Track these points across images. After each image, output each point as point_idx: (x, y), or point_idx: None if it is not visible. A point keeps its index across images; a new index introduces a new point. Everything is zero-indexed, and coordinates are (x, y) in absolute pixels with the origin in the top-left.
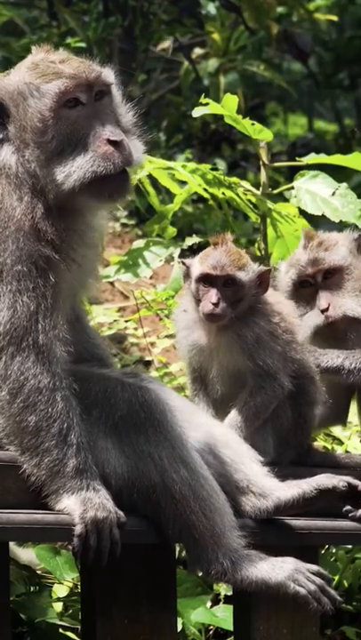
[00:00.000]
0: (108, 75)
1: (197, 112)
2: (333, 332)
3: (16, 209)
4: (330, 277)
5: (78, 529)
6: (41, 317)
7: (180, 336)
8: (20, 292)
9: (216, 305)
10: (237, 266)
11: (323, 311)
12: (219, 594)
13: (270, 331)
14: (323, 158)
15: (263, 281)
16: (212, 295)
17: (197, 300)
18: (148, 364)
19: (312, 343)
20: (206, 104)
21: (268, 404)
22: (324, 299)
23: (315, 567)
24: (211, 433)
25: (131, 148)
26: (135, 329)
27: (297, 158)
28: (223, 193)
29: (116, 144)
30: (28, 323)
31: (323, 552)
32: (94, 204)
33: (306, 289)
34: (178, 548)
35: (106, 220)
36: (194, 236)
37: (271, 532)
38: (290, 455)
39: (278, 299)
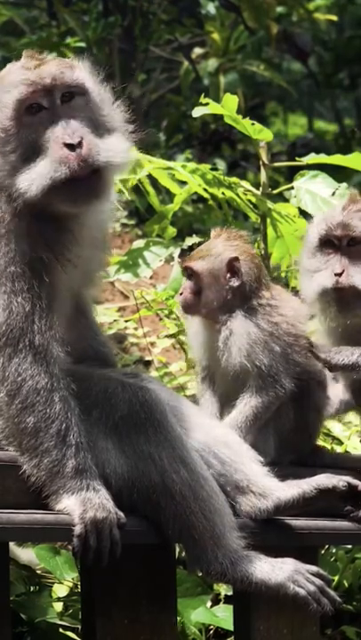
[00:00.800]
0: (77, 75)
1: (197, 112)
2: (339, 298)
3: (5, 212)
4: (354, 245)
5: (78, 529)
6: (37, 318)
7: (190, 335)
8: (15, 293)
9: (181, 294)
10: (195, 258)
11: (336, 275)
12: (219, 594)
13: (270, 331)
14: (323, 158)
15: (230, 269)
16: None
17: None
18: (148, 363)
19: (318, 304)
20: (206, 104)
21: (268, 405)
22: (340, 263)
23: (314, 568)
24: (211, 433)
25: (95, 147)
26: (135, 329)
27: (297, 158)
28: (223, 193)
29: (72, 147)
30: (24, 324)
31: (323, 552)
32: (65, 209)
33: (328, 248)
34: (178, 548)
35: (107, 215)
36: (194, 236)
37: (271, 532)
38: (290, 456)
39: (287, 302)
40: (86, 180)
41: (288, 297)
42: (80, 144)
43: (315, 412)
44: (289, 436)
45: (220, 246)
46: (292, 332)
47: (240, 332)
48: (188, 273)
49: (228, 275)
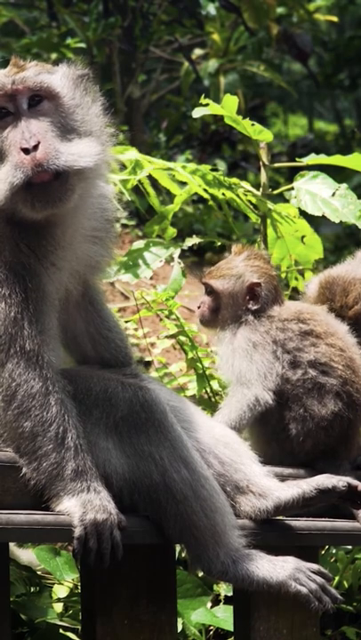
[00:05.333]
0: (44, 79)
1: (197, 113)
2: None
3: None
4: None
5: (77, 531)
6: (26, 323)
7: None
8: (0, 299)
9: (198, 308)
10: (216, 275)
11: None
12: (219, 594)
13: (255, 341)
14: (323, 159)
15: (250, 293)
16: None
17: None
18: (148, 364)
19: None
20: (206, 105)
21: (237, 414)
22: None
23: (315, 566)
24: (211, 433)
25: (54, 151)
26: (135, 329)
27: (297, 159)
28: (223, 193)
29: (27, 151)
30: (14, 329)
31: (323, 553)
32: (26, 214)
33: None
34: (178, 549)
35: (97, 212)
36: (194, 236)
37: (271, 533)
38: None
39: (297, 315)
40: (46, 185)
41: (295, 305)
42: (36, 147)
43: (301, 422)
44: (273, 440)
45: (242, 267)
46: (279, 338)
47: (228, 339)
48: (208, 290)
49: (248, 297)
